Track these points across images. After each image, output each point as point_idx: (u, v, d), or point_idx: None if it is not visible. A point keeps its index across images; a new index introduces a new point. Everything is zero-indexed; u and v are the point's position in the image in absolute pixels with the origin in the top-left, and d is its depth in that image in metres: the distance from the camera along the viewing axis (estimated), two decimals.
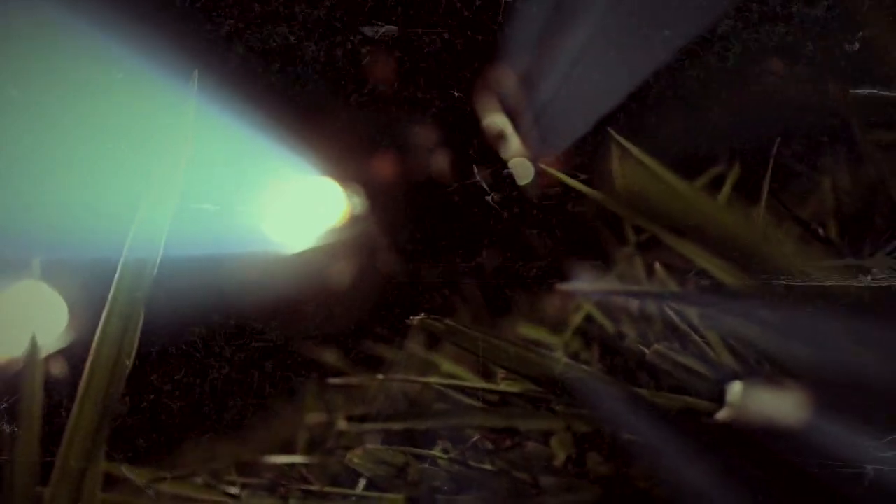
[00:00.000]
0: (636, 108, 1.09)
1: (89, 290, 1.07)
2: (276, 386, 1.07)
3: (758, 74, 1.09)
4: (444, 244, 1.13)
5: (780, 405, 0.74)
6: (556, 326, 1.09)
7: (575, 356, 1.04)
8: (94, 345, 0.76)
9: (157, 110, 1.03)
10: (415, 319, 0.85)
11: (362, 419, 0.83)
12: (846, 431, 0.73)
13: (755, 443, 0.74)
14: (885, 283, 0.85)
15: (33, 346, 0.87)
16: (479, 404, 0.88)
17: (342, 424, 0.82)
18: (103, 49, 1.04)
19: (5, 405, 0.96)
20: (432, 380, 0.93)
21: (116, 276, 0.80)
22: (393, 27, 1.07)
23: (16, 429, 0.95)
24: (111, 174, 1.05)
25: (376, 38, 1.09)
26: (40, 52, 1.05)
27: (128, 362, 0.77)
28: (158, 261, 0.82)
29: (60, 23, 1.03)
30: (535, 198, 1.12)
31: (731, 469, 0.75)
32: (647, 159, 0.86)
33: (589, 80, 1.09)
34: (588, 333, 1.06)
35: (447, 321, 0.84)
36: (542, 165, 1.10)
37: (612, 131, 0.96)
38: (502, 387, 0.85)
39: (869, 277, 0.85)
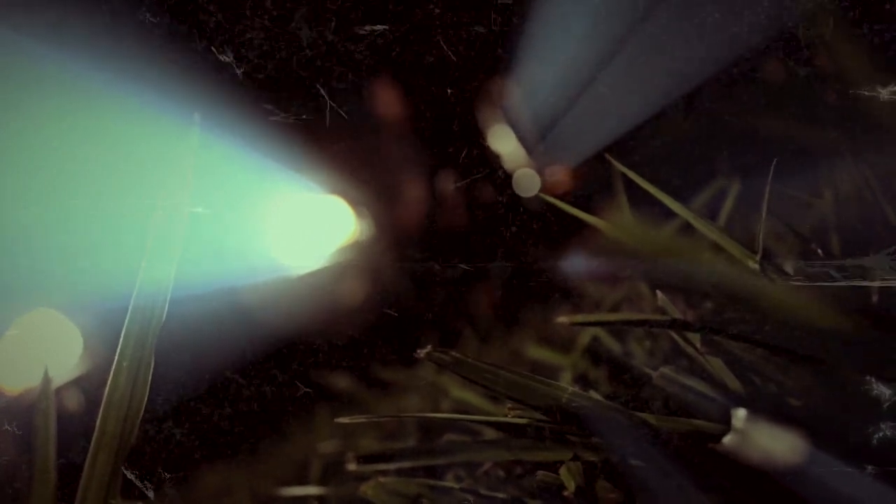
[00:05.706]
0: (642, 125, 1.08)
1: (103, 321, 1.08)
2: (288, 413, 1.08)
3: (754, 82, 1.09)
4: (451, 260, 1.13)
5: (784, 431, 0.74)
6: (565, 345, 1.09)
7: (583, 377, 1.04)
8: (105, 394, 0.77)
9: (162, 141, 1.04)
10: (422, 352, 0.84)
11: (372, 459, 0.83)
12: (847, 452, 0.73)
13: (760, 469, 0.75)
14: (888, 283, 0.85)
15: (45, 389, 0.87)
16: (488, 433, 0.89)
17: (352, 466, 0.82)
18: (107, 86, 1.04)
19: (4, 404, 0.96)
20: (443, 415, 0.94)
21: (126, 321, 0.80)
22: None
23: (16, 430, 0.95)
24: (120, 207, 1.05)
25: (381, 48, 1.08)
26: (46, 90, 1.05)
27: (140, 408, 0.78)
28: (168, 298, 0.82)
29: (61, 59, 1.04)
30: (539, 211, 1.12)
31: (737, 497, 0.75)
32: (649, 187, 0.86)
33: (598, 95, 1.08)
34: (596, 353, 1.06)
35: (454, 353, 0.84)
36: (546, 190, 1.10)
37: (614, 161, 0.96)
38: (510, 417, 0.85)
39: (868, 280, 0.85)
